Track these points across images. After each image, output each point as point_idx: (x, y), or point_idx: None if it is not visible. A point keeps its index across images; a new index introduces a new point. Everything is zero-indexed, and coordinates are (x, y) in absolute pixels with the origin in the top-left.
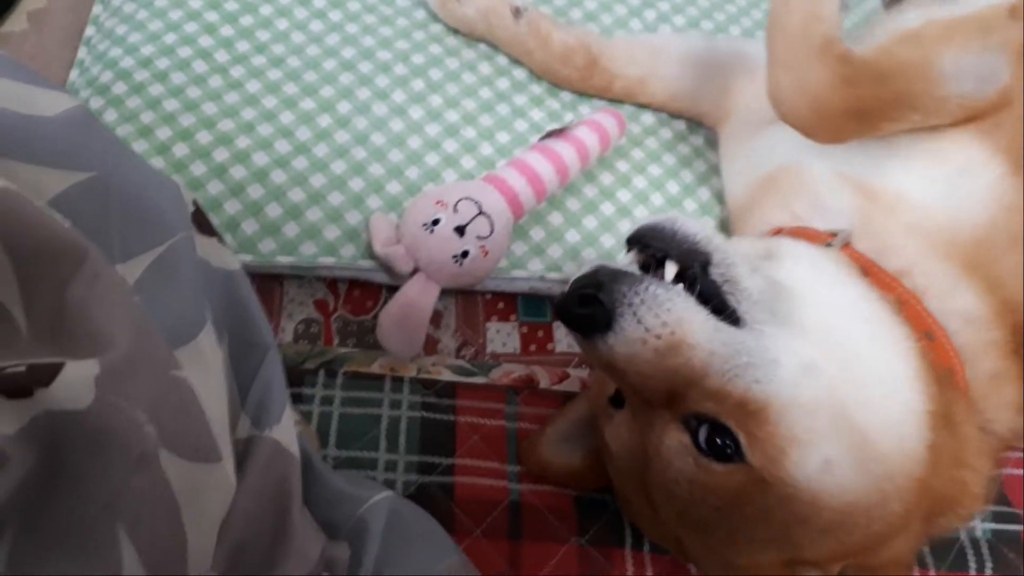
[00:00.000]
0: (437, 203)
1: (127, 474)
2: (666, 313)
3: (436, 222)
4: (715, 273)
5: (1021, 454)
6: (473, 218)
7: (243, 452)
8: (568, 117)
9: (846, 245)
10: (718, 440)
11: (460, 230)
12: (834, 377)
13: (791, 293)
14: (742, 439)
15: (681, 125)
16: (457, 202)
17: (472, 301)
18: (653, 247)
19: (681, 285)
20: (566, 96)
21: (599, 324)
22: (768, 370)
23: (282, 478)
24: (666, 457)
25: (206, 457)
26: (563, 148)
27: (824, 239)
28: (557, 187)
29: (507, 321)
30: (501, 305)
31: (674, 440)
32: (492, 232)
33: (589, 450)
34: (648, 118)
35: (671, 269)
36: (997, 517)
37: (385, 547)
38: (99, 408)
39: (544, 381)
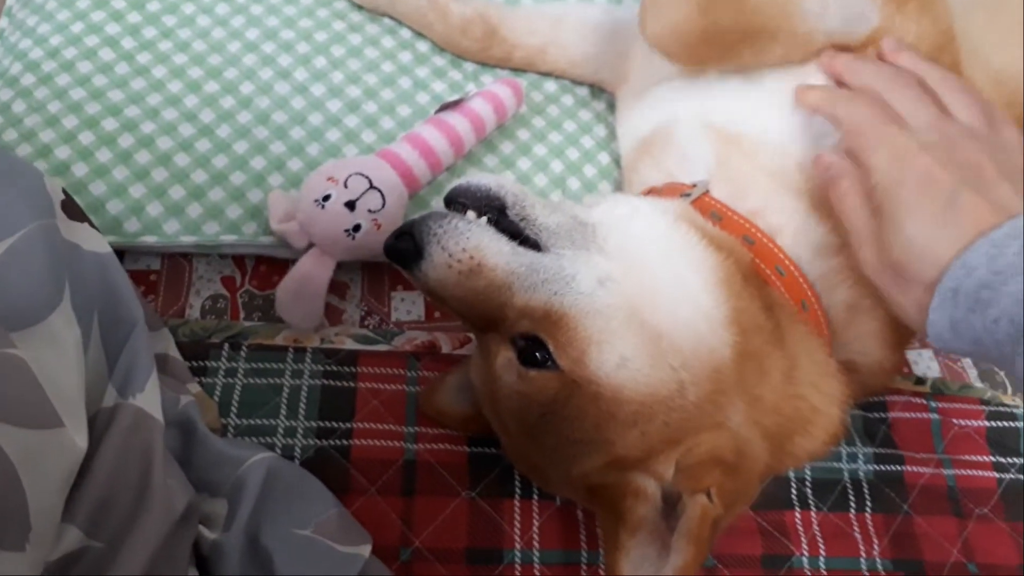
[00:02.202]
0: (328, 179)
1: None
2: (466, 240)
3: (327, 198)
4: (511, 214)
5: (904, 398)
6: (364, 192)
7: (108, 418)
8: (469, 88)
9: (705, 193)
10: (537, 354)
11: (351, 205)
12: (629, 287)
13: (593, 225)
14: (550, 346)
15: (584, 91)
16: (348, 177)
17: (377, 271)
18: (458, 203)
19: (485, 219)
20: (469, 67)
21: (411, 255)
22: (564, 283)
23: (145, 441)
24: (499, 375)
25: (42, 424)
26: (457, 120)
27: (685, 190)
28: (452, 159)
29: (412, 290)
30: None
31: (503, 358)
32: (384, 205)
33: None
34: (551, 86)
35: (471, 216)
36: (880, 458)
37: (261, 502)
38: None
39: (446, 346)
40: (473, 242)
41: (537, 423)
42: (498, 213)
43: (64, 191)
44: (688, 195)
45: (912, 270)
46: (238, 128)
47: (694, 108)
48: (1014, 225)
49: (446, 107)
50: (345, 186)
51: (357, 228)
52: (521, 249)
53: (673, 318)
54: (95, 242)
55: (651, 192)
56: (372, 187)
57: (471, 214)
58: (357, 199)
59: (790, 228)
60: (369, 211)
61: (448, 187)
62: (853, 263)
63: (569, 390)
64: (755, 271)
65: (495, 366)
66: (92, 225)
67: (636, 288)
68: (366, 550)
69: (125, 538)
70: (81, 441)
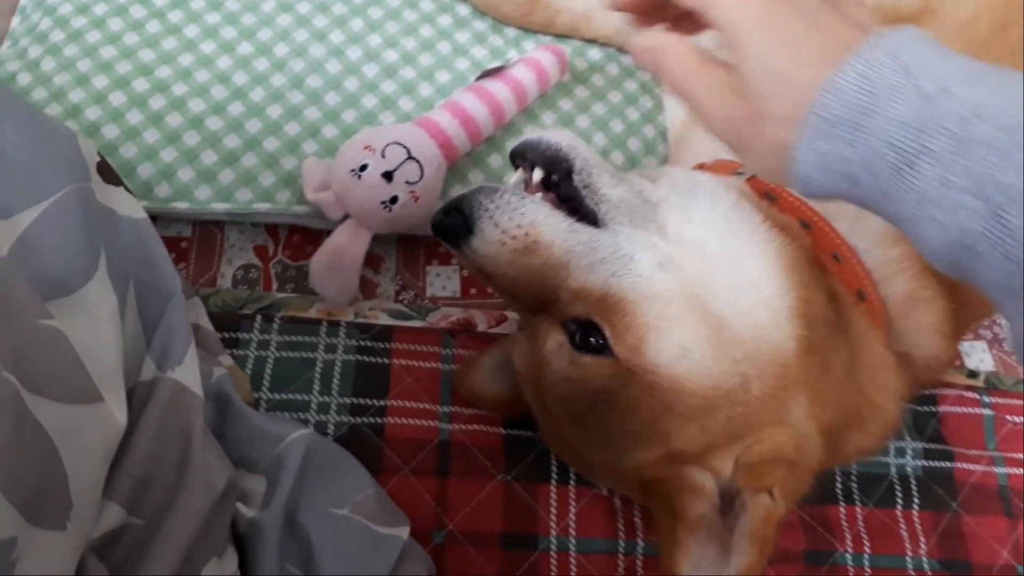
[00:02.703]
0: (365, 148)
1: None
2: (520, 216)
3: (364, 168)
4: (577, 180)
5: (956, 391)
6: (401, 163)
7: (147, 392)
8: (511, 55)
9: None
10: (591, 339)
11: (388, 175)
12: (690, 272)
13: (655, 202)
14: (606, 331)
15: (630, 60)
16: (385, 147)
17: (413, 245)
18: (527, 159)
19: (539, 195)
20: (510, 32)
21: (461, 231)
22: (623, 264)
23: (184, 416)
24: (548, 359)
25: (81, 399)
26: (498, 88)
27: (737, 168)
28: (493, 129)
29: (448, 264)
30: (443, 249)
31: (553, 342)
32: (422, 177)
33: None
34: (595, 53)
35: (537, 174)
36: (929, 454)
37: (300, 480)
38: None
39: (482, 324)
40: (528, 218)
41: (587, 412)
42: (564, 175)
43: (99, 153)
44: (741, 173)
45: (770, 104)
46: (272, 92)
47: None
48: (890, 41)
49: (487, 74)
50: (383, 156)
51: (394, 200)
52: (579, 226)
53: (736, 307)
54: (130, 207)
55: (702, 167)
56: (410, 157)
57: (536, 177)
58: (395, 170)
59: (848, 212)
60: (407, 183)
61: (517, 140)
62: (914, 252)
63: (624, 379)
64: (815, 257)
65: (544, 350)
66: (127, 189)
67: (697, 273)
68: (405, 532)
69: (166, 515)
70: (121, 416)
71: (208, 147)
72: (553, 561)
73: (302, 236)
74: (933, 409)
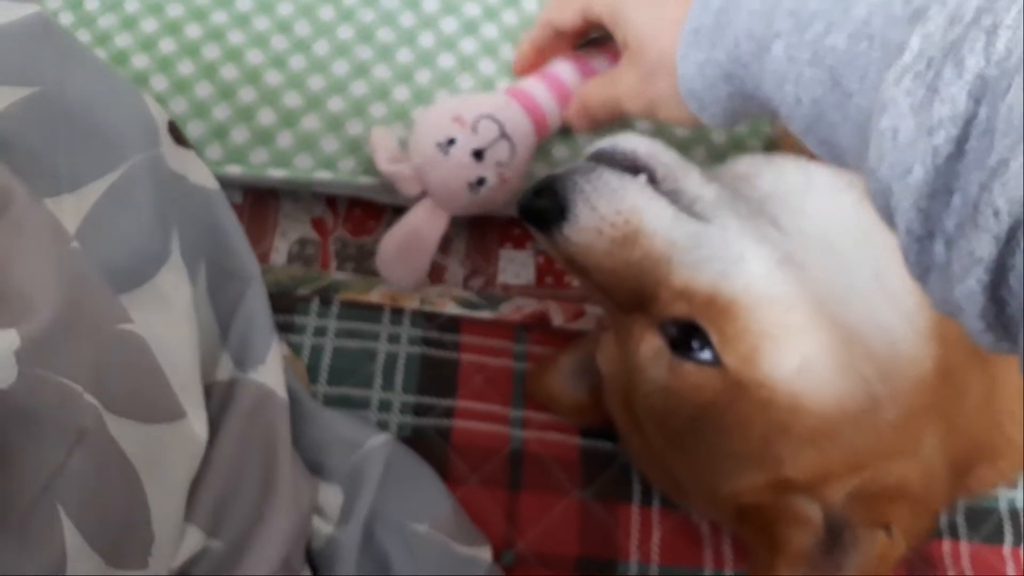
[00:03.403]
0: (455, 120)
1: (64, 453)
2: (620, 200)
3: (452, 142)
4: (662, 187)
5: None
6: (494, 141)
7: (225, 396)
8: None
9: None
10: (694, 345)
11: (479, 154)
12: (812, 273)
13: (759, 198)
14: (714, 338)
15: None
16: (477, 120)
17: (484, 224)
18: (603, 164)
19: (643, 176)
20: None
21: (554, 214)
22: (735, 262)
23: (269, 425)
24: (642, 365)
25: (164, 417)
26: (600, 62)
27: None
28: None
29: (523, 249)
30: (517, 231)
31: (649, 346)
32: (514, 157)
33: (599, 390)
34: None
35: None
36: None
37: (380, 495)
38: (25, 385)
39: (558, 318)
40: (629, 203)
41: (686, 428)
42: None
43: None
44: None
45: (653, 54)
46: (338, 45)
47: None
48: None
49: (590, 44)
50: (473, 131)
51: (482, 182)
52: (685, 217)
53: (869, 318)
54: (204, 175)
55: None
56: (504, 135)
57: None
58: (487, 148)
59: None
60: (498, 163)
61: (588, 149)
62: None
63: (733, 392)
64: None
65: (638, 354)
66: (199, 155)
67: (823, 275)
68: (487, 552)
69: (251, 538)
70: (202, 430)
71: (266, 105)
72: None
73: (364, 210)
74: None
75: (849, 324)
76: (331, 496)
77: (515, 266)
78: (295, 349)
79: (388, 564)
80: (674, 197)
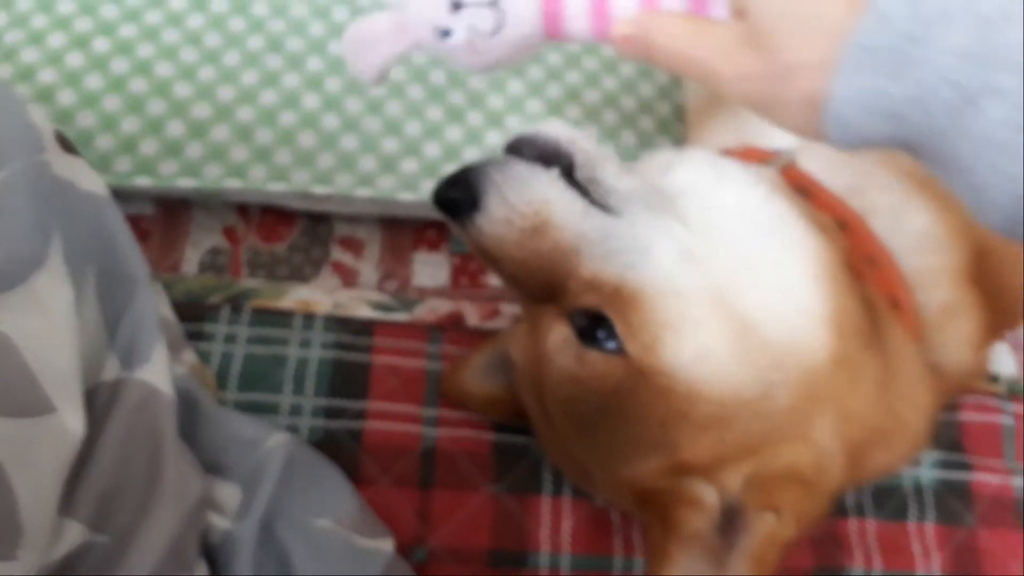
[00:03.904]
0: None
1: None
2: (530, 191)
3: None
4: (580, 175)
5: (975, 398)
6: (485, 3)
7: (110, 396)
8: None
9: (790, 165)
10: (600, 334)
11: (457, 6)
12: (715, 266)
13: (673, 190)
14: (619, 327)
15: None
16: None
17: (399, 228)
18: (523, 154)
19: (557, 170)
20: None
21: (467, 205)
22: (641, 255)
23: (153, 421)
24: (551, 354)
25: (31, 412)
26: (718, 8)
27: (766, 158)
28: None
29: (437, 252)
30: (431, 234)
31: (558, 335)
32: (494, 33)
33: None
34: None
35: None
36: (945, 464)
37: (279, 492)
38: None
39: (473, 318)
40: (539, 194)
41: (591, 415)
42: (564, 172)
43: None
44: (769, 163)
45: (794, 51)
46: (247, 55)
47: None
48: None
49: None
50: None
51: (447, 34)
52: (593, 210)
53: (766, 309)
54: (92, 181)
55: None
56: (494, 4)
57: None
58: (467, 6)
59: (886, 214)
60: (471, 27)
61: (511, 137)
62: (956, 263)
63: (635, 380)
64: (851, 261)
65: (547, 343)
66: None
67: (723, 268)
68: (389, 544)
69: (136, 531)
70: (76, 425)
71: (175, 116)
72: None
73: (276, 217)
74: (952, 417)
75: (746, 316)
76: (230, 494)
77: (430, 268)
78: (204, 357)
79: (288, 559)
80: (591, 186)
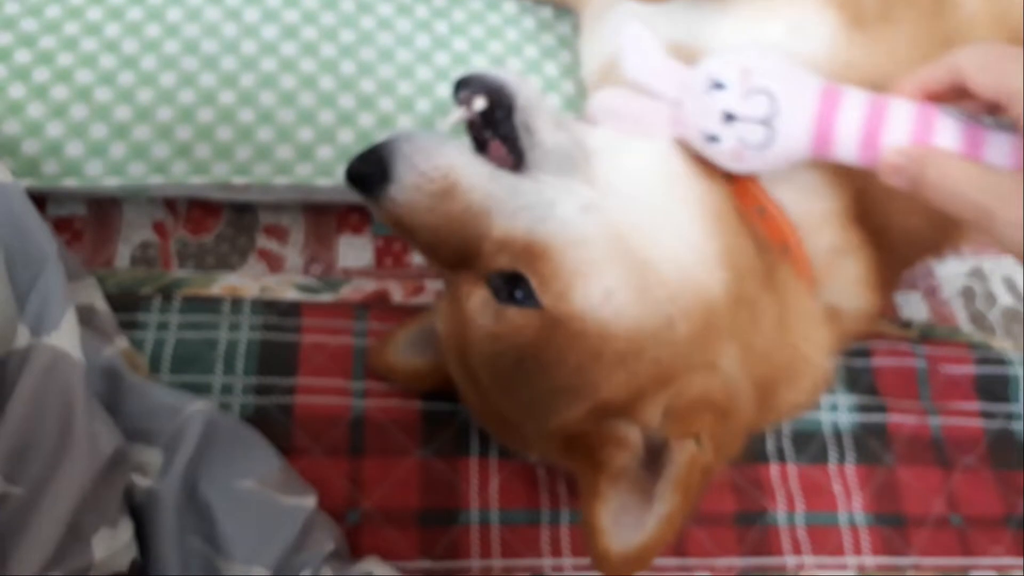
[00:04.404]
0: (742, 71)
1: None
2: (439, 157)
3: (719, 86)
4: (517, 118)
5: (889, 343)
6: (752, 120)
7: (21, 360)
8: None
9: None
10: (516, 294)
11: (729, 116)
12: (614, 215)
13: (584, 148)
14: (532, 281)
15: (547, 12)
16: (757, 90)
17: (323, 213)
18: (471, 87)
19: (466, 141)
20: None
21: (378, 178)
22: (546, 210)
23: (64, 381)
24: (471, 316)
25: None
26: (998, 148)
27: None
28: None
29: (361, 234)
30: (355, 217)
31: (477, 298)
32: (763, 149)
33: (438, 355)
34: (510, 7)
35: (480, 103)
36: (862, 407)
37: (200, 452)
38: None
39: (397, 295)
40: (447, 159)
41: (514, 371)
42: (506, 113)
43: None
44: None
45: None
46: (164, 59)
47: (659, 29)
48: None
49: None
50: (744, 95)
51: (715, 139)
52: (500, 172)
53: (660, 248)
54: None
55: None
56: (767, 123)
57: (478, 106)
58: (740, 121)
59: None
60: (741, 140)
61: (463, 73)
62: (839, 206)
63: (550, 330)
64: (741, 210)
65: (467, 307)
66: None
67: (621, 215)
68: (311, 501)
69: (48, 483)
70: None
71: (97, 119)
72: (475, 535)
73: (202, 210)
74: (866, 362)
75: (644, 256)
76: (152, 457)
77: (354, 251)
78: (137, 344)
79: (211, 515)
80: (522, 133)
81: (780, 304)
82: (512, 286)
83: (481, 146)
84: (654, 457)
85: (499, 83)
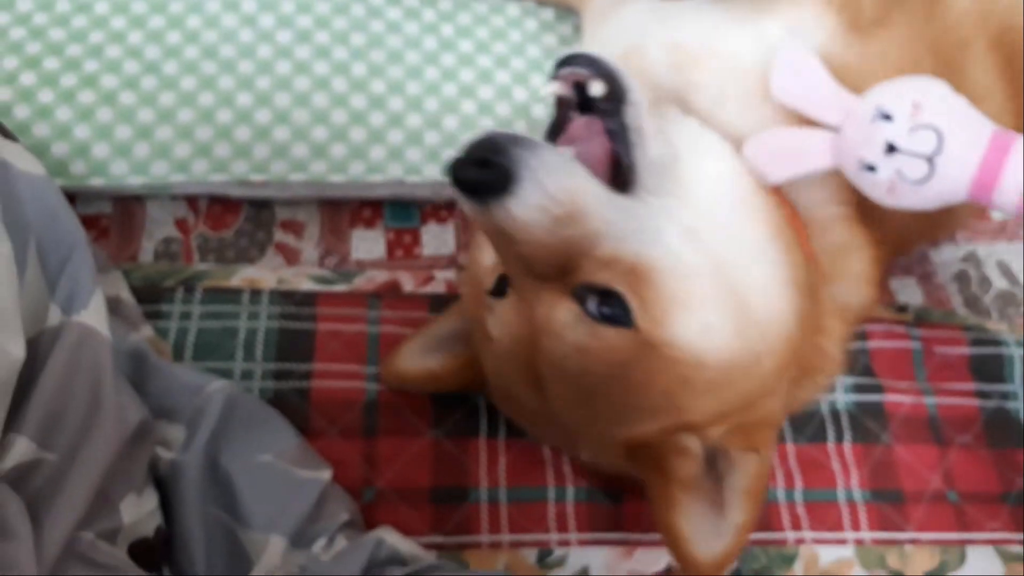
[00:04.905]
0: (914, 105)
1: None
2: (567, 180)
3: (887, 118)
4: (629, 115)
5: (885, 326)
6: (917, 155)
7: (53, 336)
8: None
9: None
10: (607, 309)
11: (891, 148)
12: (713, 244)
13: (680, 162)
14: (632, 303)
15: (549, 14)
16: (924, 125)
17: (336, 208)
18: (579, 65)
19: (571, 151)
20: None
21: (497, 188)
22: (654, 235)
23: (93, 355)
24: (556, 330)
25: None
26: None
27: None
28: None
29: (373, 228)
30: (367, 212)
31: (565, 312)
32: (920, 184)
33: (451, 357)
34: (513, 9)
35: (598, 87)
36: (859, 388)
37: (221, 427)
38: None
39: (408, 285)
40: (573, 183)
41: (595, 385)
42: (617, 105)
43: None
44: None
45: None
46: (184, 63)
47: (664, 23)
48: None
49: None
50: (912, 129)
51: (872, 169)
52: (615, 195)
53: (751, 279)
54: (29, 162)
55: None
56: (930, 160)
57: (596, 91)
58: (904, 154)
59: None
60: (899, 172)
61: (569, 52)
62: (844, 202)
63: (643, 351)
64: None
65: (551, 319)
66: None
67: (718, 244)
68: (327, 474)
69: (79, 450)
70: (16, 350)
71: (122, 122)
72: (484, 512)
73: (222, 207)
74: (863, 344)
75: (739, 290)
76: (175, 432)
77: (367, 244)
78: (162, 333)
79: (232, 487)
80: (631, 136)
81: (816, 307)
82: (602, 302)
83: (559, 126)
84: (710, 464)
85: (615, 72)
